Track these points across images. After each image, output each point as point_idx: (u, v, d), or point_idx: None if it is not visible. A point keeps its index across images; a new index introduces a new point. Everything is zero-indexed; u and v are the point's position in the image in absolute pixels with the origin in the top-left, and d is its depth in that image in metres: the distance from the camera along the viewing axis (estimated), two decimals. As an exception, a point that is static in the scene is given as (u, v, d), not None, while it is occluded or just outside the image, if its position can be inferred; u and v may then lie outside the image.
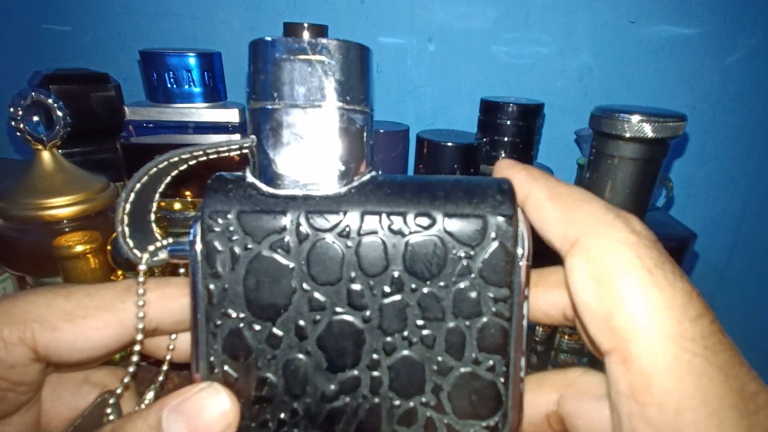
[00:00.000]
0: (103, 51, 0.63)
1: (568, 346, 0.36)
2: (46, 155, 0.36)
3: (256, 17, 0.59)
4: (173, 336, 0.19)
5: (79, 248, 0.31)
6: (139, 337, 0.17)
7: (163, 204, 0.42)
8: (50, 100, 0.35)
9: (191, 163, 0.18)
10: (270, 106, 0.16)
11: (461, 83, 0.59)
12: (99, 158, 0.50)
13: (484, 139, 0.45)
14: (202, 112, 0.46)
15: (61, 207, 0.35)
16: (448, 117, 0.61)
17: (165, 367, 0.19)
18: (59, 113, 0.35)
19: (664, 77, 0.55)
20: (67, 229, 0.35)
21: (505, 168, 0.18)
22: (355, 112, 0.17)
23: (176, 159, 0.17)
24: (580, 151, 0.53)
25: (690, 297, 0.13)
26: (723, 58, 0.53)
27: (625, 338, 0.13)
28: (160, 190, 0.18)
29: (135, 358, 0.18)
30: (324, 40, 0.16)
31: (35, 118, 0.35)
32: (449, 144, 0.40)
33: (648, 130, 0.28)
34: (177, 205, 0.41)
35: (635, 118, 0.28)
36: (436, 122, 0.61)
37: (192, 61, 0.45)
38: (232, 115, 0.46)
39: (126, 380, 0.18)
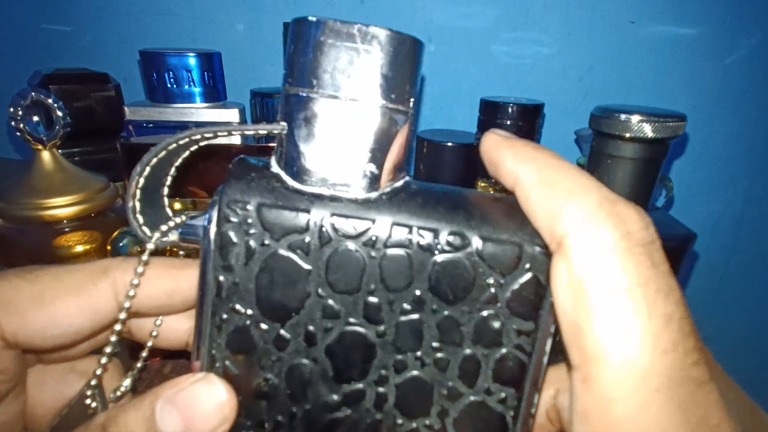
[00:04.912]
0: (103, 51, 0.63)
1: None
2: (46, 155, 0.36)
3: (256, 17, 0.59)
4: (158, 322, 0.19)
5: (79, 248, 0.31)
6: (122, 315, 0.16)
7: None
8: (50, 100, 0.35)
9: (212, 141, 0.17)
10: (306, 94, 0.15)
11: (461, 83, 0.59)
12: (99, 158, 0.50)
13: (484, 139, 0.44)
14: (202, 112, 0.46)
15: (61, 207, 0.35)
16: (448, 117, 0.61)
17: (144, 353, 0.19)
18: (59, 113, 0.35)
19: (664, 77, 0.55)
20: (67, 229, 0.35)
21: (492, 150, 0.16)
22: (398, 112, 0.16)
23: (198, 137, 0.16)
24: (580, 151, 0.53)
25: (667, 324, 0.12)
26: (723, 58, 0.53)
27: (589, 359, 0.13)
28: (177, 164, 0.17)
29: (113, 338, 0.17)
30: (375, 29, 0.15)
31: (35, 118, 0.35)
32: (449, 144, 0.40)
33: (648, 130, 0.28)
34: (177, 205, 0.41)
35: (635, 118, 0.28)
36: (436, 122, 0.61)
37: (192, 61, 0.45)
38: (232, 115, 0.46)
39: (104, 360, 0.17)
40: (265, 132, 0.16)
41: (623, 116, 0.28)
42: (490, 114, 0.44)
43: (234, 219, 0.15)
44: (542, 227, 0.14)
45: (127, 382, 0.18)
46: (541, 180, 0.14)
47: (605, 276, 0.13)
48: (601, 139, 0.30)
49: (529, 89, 0.57)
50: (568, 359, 0.14)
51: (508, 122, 0.43)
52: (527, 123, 0.43)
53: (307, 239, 0.15)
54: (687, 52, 0.53)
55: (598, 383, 0.12)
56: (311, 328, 0.15)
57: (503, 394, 0.16)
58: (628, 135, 0.28)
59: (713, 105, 0.55)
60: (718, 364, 0.17)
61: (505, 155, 0.15)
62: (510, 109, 0.43)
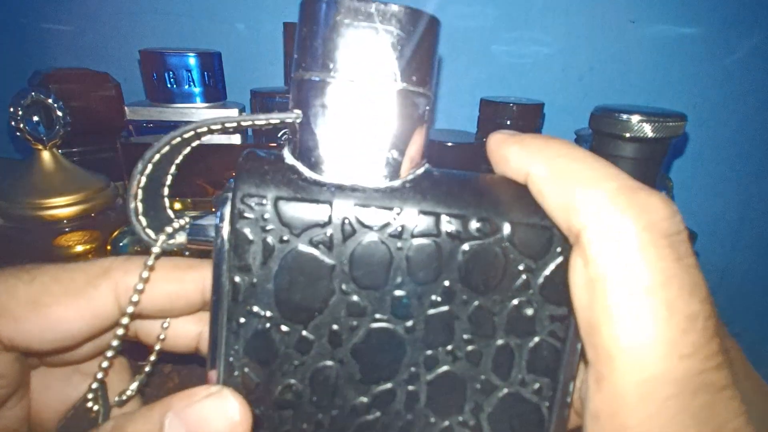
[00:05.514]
0: (103, 51, 0.63)
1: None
2: (46, 155, 0.36)
3: (256, 17, 0.59)
4: (165, 324, 0.18)
5: (79, 248, 0.31)
6: (125, 321, 0.16)
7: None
8: (50, 100, 0.35)
9: (218, 132, 0.16)
10: (322, 78, 0.14)
11: (461, 83, 0.59)
12: (99, 158, 0.50)
13: (484, 139, 0.45)
14: (202, 112, 0.46)
15: (61, 207, 0.35)
16: (448, 117, 0.61)
17: (152, 357, 0.18)
18: (59, 113, 0.35)
19: (664, 77, 0.55)
20: (67, 229, 0.35)
21: (497, 148, 0.15)
22: (419, 96, 0.15)
23: (204, 129, 0.15)
24: (580, 151, 0.53)
25: (689, 326, 0.12)
26: (723, 58, 0.53)
27: (602, 359, 0.12)
28: (178, 161, 0.16)
29: (115, 343, 0.16)
30: (395, 7, 0.14)
31: (35, 118, 0.35)
32: (449, 144, 0.40)
33: (648, 130, 0.28)
34: (177, 205, 0.41)
35: (635, 118, 0.28)
36: (436, 122, 0.61)
37: (192, 61, 0.45)
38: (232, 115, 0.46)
39: (104, 365, 0.17)
40: (277, 121, 0.15)
41: (623, 116, 0.28)
42: (490, 114, 0.44)
43: (249, 215, 0.14)
44: (559, 222, 0.14)
45: (133, 386, 0.18)
46: (553, 172, 0.13)
47: (624, 274, 0.12)
48: (601, 139, 0.30)
49: (529, 89, 0.57)
50: (585, 354, 0.14)
51: (508, 122, 0.43)
52: (527, 123, 0.43)
53: (330, 233, 0.14)
54: (687, 52, 0.53)
55: (610, 385, 0.12)
56: (336, 327, 0.15)
57: (538, 384, 0.15)
58: (628, 135, 0.28)
59: (713, 105, 0.55)
60: (748, 363, 0.16)
61: (512, 150, 0.15)
62: (510, 109, 0.43)
